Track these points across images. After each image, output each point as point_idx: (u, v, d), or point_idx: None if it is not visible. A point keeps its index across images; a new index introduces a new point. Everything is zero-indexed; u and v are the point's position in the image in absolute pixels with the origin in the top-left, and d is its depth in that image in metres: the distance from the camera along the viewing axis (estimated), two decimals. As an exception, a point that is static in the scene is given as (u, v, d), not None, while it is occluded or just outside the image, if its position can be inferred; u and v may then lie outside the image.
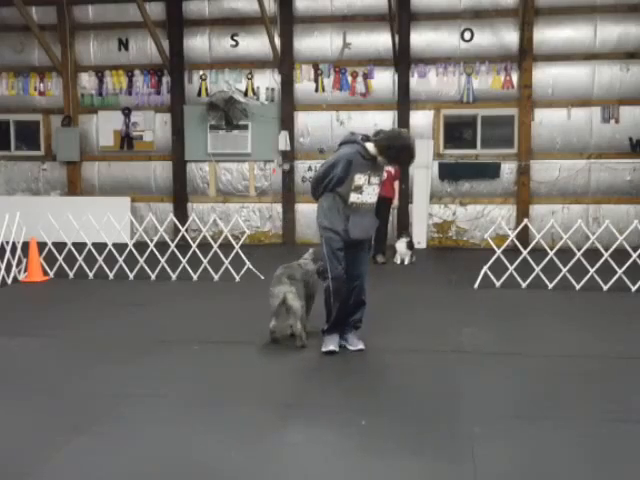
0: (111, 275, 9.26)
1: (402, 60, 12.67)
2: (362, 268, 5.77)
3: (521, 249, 8.89)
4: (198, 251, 9.27)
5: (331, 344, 5.71)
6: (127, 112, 13.75)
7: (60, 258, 9.40)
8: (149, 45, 13.52)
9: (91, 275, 9.33)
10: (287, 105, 13.13)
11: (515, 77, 12.57)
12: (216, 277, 9.13)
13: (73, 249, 9.34)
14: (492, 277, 8.62)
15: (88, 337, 6.36)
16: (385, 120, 12.71)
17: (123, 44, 13.74)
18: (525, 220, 9.94)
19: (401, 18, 12.56)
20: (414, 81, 12.82)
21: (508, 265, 8.56)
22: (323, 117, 13.18)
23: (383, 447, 3.88)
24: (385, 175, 9.05)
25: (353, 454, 3.81)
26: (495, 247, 8.95)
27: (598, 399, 4.65)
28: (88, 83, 13.94)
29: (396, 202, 10.87)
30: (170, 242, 9.47)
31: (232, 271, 9.08)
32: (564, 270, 8.43)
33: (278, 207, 13.48)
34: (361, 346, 5.82)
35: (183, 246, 9.62)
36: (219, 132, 13.27)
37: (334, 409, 4.50)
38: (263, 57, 13.21)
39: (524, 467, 3.64)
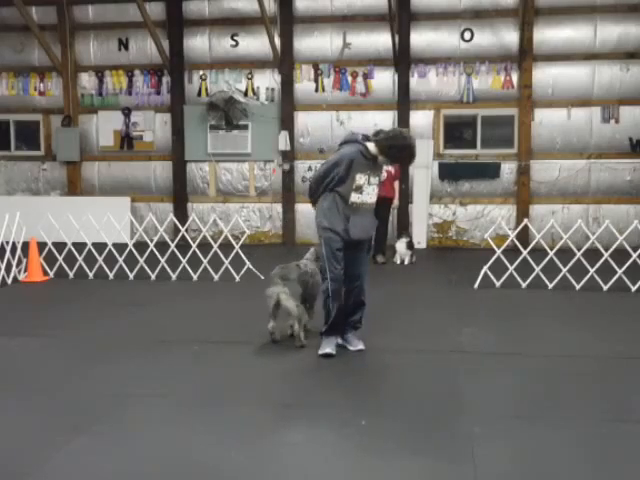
0: (111, 275, 9.26)
1: (402, 60, 12.67)
2: (362, 269, 5.76)
3: (521, 249, 8.89)
4: (198, 251, 9.27)
5: (328, 347, 5.67)
6: (127, 112, 13.75)
7: (60, 258, 9.40)
8: (149, 45, 13.52)
9: (91, 275, 9.33)
10: (287, 105, 13.13)
11: (515, 77, 12.57)
12: (216, 277, 9.13)
13: (73, 249, 9.34)
14: (492, 277, 8.62)
15: (88, 337, 6.36)
16: (385, 120, 12.71)
17: (123, 44, 13.74)
18: (525, 220, 9.94)
19: (401, 18, 12.56)
20: (414, 81, 12.82)
21: (508, 265, 8.56)
22: (323, 117, 13.18)
23: (383, 447, 3.87)
24: (384, 175, 9.09)
25: (353, 454, 3.81)
26: (495, 247, 8.94)
27: (598, 399, 4.65)
28: (88, 83, 13.94)
29: (396, 202, 10.87)
30: (170, 242, 9.46)
31: (232, 271, 9.08)
32: (564, 270, 8.43)
33: (278, 207, 13.48)
34: (361, 346, 5.81)
35: (183, 246, 9.63)
36: (219, 132, 13.27)
37: (334, 409, 4.49)
38: (263, 57, 13.21)
39: (524, 467, 3.64)
